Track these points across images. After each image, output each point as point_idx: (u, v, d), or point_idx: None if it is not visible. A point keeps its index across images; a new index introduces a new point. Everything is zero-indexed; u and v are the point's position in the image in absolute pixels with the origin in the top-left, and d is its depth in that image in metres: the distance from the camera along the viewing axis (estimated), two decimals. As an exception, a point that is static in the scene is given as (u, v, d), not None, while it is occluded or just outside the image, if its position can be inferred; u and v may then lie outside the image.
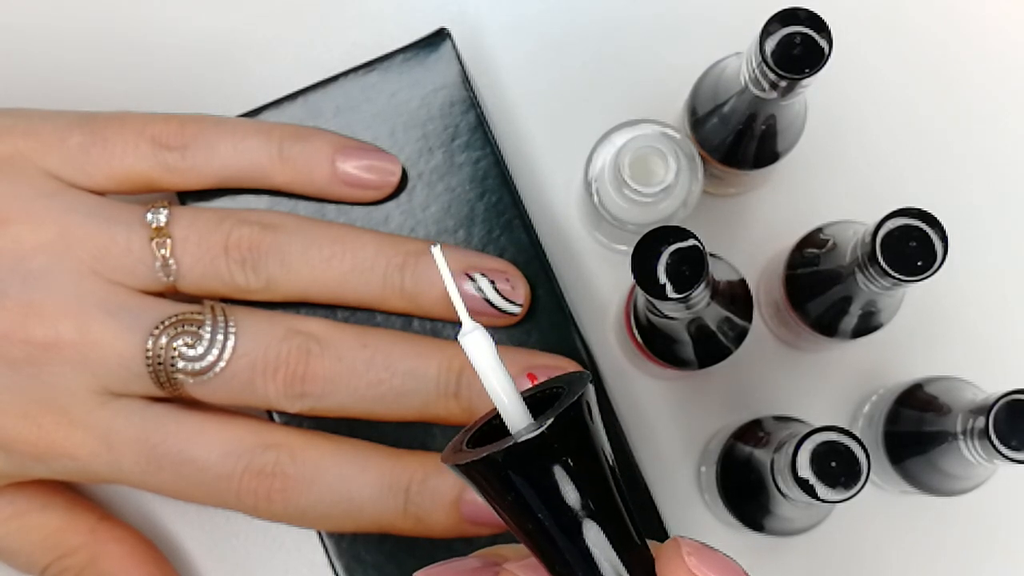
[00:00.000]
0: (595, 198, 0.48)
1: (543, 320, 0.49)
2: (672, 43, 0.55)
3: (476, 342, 0.32)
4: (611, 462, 0.33)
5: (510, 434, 0.32)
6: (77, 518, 0.49)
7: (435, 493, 0.46)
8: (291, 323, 0.46)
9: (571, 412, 0.32)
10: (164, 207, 0.46)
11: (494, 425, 0.34)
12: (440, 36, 0.50)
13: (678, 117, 0.50)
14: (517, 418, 0.33)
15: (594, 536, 0.32)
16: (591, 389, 0.33)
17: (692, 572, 0.31)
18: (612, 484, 0.33)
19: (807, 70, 0.40)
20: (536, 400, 0.34)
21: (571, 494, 0.32)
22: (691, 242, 0.39)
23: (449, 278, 0.33)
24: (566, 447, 0.32)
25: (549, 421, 0.31)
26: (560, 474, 0.32)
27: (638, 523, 0.33)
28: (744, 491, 0.48)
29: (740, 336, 0.47)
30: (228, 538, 0.53)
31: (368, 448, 0.47)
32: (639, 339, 0.48)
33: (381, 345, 0.46)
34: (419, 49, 0.50)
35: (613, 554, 0.32)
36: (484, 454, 0.31)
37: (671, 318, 0.43)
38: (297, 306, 0.48)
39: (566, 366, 0.47)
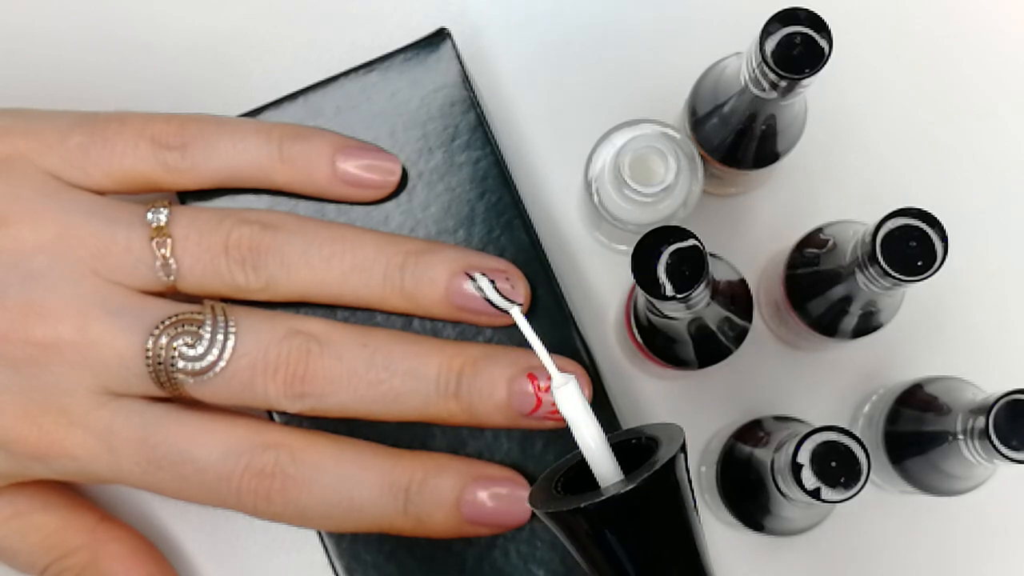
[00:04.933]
0: (595, 198, 0.48)
1: (543, 320, 0.49)
2: (672, 43, 0.55)
3: (569, 395, 0.34)
4: (696, 519, 0.34)
5: (596, 481, 0.34)
6: (77, 518, 0.49)
7: (435, 493, 0.46)
8: (291, 323, 0.46)
9: (664, 472, 0.33)
10: (164, 207, 0.46)
11: (580, 468, 0.35)
12: (440, 36, 0.50)
13: (678, 117, 0.50)
14: (606, 470, 0.34)
15: None
16: (684, 447, 0.34)
17: None
18: (695, 541, 0.34)
19: (807, 70, 0.40)
20: (620, 447, 0.35)
21: (654, 550, 0.33)
22: (691, 242, 0.39)
23: (532, 335, 0.35)
24: (654, 504, 0.33)
25: (641, 479, 0.32)
26: (645, 530, 0.33)
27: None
28: (744, 491, 0.48)
29: (740, 336, 0.47)
30: (228, 538, 0.53)
31: (368, 448, 0.47)
32: (639, 339, 0.48)
33: (381, 345, 0.46)
34: (419, 49, 0.50)
35: None
36: (575, 506, 0.33)
37: (671, 318, 0.43)
38: (297, 306, 0.48)
39: (566, 366, 0.47)
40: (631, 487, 0.32)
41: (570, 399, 0.34)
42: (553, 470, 0.36)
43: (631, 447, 0.36)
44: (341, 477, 0.46)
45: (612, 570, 0.33)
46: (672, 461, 0.33)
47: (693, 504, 0.34)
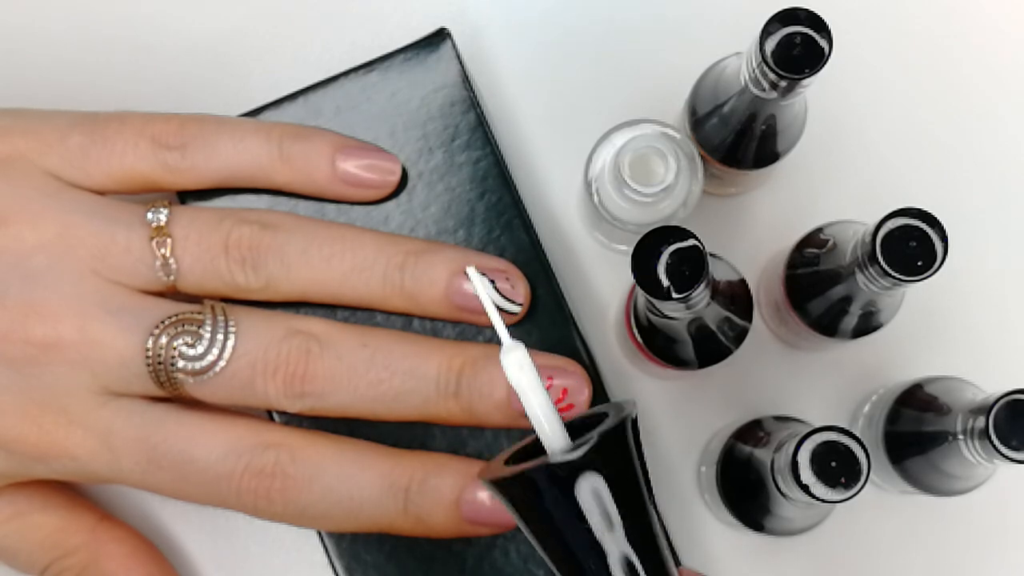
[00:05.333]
0: (595, 198, 0.48)
1: (543, 320, 0.49)
2: (672, 43, 0.55)
3: (517, 360, 0.33)
4: (649, 490, 0.33)
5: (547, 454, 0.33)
6: (77, 518, 0.49)
7: (435, 493, 0.46)
8: (291, 323, 0.46)
9: (612, 435, 0.32)
10: (164, 206, 0.46)
11: (538, 447, 0.34)
12: (440, 36, 0.50)
13: (678, 117, 0.50)
14: (555, 438, 0.33)
15: (625, 565, 0.32)
16: (635, 417, 0.33)
17: None
18: (649, 514, 0.33)
19: (807, 70, 0.40)
20: (579, 428, 0.34)
21: (606, 519, 0.32)
22: (691, 242, 0.39)
23: (485, 295, 0.34)
24: (604, 470, 0.31)
25: (589, 444, 0.31)
26: (596, 498, 0.31)
27: (671, 553, 0.32)
28: (744, 491, 0.48)
29: (740, 336, 0.47)
30: (228, 538, 0.53)
31: (368, 448, 0.47)
32: (639, 339, 0.48)
33: (381, 345, 0.46)
34: (419, 49, 0.50)
35: None
36: (519, 471, 0.32)
37: (671, 318, 0.43)
38: (297, 306, 0.48)
39: (566, 366, 0.47)
40: (576, 453, 0.31)
41: (518, 365, 0.33)
42: (510, 450, 0.36)
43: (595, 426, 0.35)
44: (341, 477, 0.46)
45: (557, 543, 0.32)
46: (619, 428, 0.32)
47: (645, 478, 0.33)
